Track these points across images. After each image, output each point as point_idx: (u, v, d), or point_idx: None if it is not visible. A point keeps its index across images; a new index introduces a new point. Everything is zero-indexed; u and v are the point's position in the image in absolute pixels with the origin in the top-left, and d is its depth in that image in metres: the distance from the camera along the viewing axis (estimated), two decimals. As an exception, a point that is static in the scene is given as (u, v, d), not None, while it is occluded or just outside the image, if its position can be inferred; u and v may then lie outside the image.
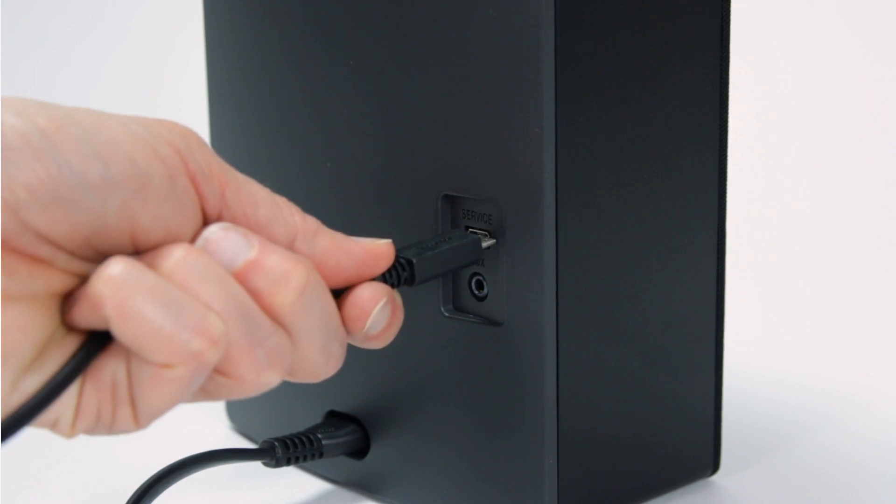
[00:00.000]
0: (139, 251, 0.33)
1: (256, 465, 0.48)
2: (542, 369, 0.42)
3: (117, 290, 0.31)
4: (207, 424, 0.59)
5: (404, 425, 0.47)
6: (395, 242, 0.40)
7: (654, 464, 0.47)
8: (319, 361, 0.36)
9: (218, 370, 0.33)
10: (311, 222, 0.38)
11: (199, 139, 0.35)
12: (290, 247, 0.36)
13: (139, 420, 0.33)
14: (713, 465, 0.49)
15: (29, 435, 0.56)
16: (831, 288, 0.78)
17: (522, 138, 0.41)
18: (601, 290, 0.43)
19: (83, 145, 0.31)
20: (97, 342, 0.32)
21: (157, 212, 0.33)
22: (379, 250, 0.39)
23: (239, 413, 0.57)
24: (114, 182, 0.32)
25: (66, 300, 0.32)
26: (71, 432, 0.33)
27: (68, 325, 0.32)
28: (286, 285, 0.34)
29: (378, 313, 0.38)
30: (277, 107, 0.50)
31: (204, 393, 0.34)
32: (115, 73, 1.13)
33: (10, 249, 0.31)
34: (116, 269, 0.31)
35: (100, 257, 0.32)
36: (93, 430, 0.33)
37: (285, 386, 0.52)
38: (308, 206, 0.40)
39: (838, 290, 0.78)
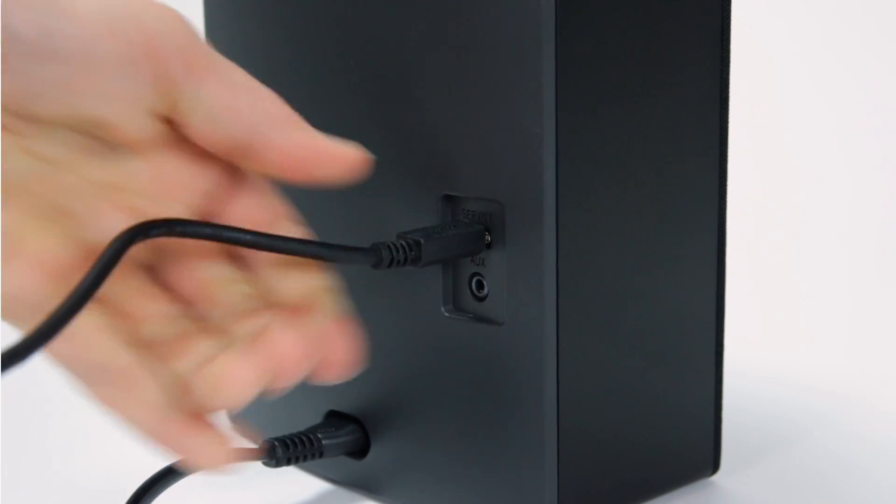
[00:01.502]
0: (80, 126, 0.33)
1: (256, 465, 0.48)
2: (543, 369, 0.42)
3: None
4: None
5: (404, 425, 0.47)
6: (399, 233, 0.41)
7: (654, 464, 0.47)
8: None
9: None
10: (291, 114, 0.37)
11: (184, 25, 0.34)
12: (264, 139, 0.36)
13: None
14: (713, 465, 0.49)
15: (28, 434, 0.55)
16: (830, 288, 0.78)
17: (523, 139, 0.41)
18: (601, 290, 0.43)
19: (37, 13, 0.31)
20: None
21: (105, 90, 0.33)
22: (336, 151, 0.37)
23: (239, 413, 0.57)
24: (58, 54, 0.32)
25: None
26: None
27: None
28: None
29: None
30: (278, 106, 0.50)
31: None
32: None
33: None
34: None
35: (44, 125, 0.33)
36: None
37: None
38: (308, 206, 0.40)
39: (837, 290, 0.78)
